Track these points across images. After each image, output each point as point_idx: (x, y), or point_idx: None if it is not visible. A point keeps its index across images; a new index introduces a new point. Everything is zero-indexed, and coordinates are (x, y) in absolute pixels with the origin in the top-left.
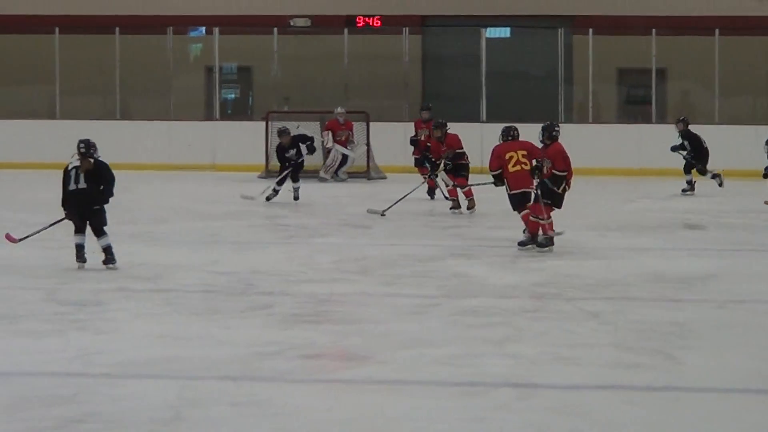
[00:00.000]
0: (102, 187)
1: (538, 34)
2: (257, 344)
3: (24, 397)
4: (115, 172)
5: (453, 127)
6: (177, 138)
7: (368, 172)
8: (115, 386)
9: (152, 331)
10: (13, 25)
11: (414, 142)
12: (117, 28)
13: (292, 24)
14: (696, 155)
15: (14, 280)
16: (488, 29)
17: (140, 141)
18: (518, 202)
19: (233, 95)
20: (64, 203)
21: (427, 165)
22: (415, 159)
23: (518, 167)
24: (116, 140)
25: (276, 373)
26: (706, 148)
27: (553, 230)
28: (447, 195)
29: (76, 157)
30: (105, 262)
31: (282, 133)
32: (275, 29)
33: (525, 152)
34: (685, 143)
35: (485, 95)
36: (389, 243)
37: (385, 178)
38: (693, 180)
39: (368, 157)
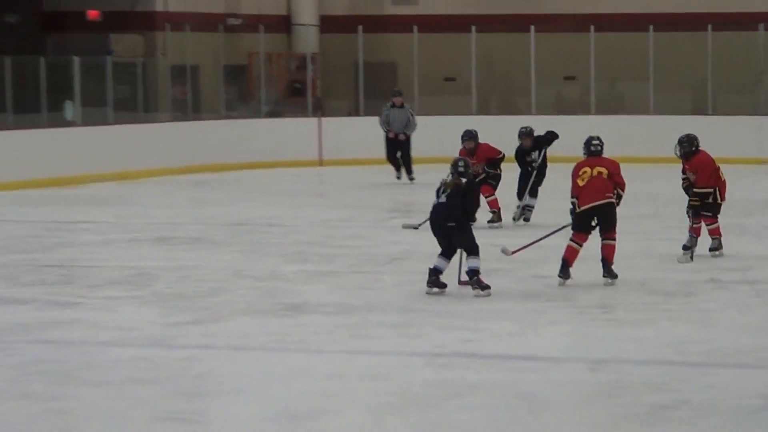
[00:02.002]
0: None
1: None
2: None
3: (620, 384)
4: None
5: None
6: (767, 133)
7: None
8: (706, 375)
9: (742, 321)
10: (610, 23)
11: None
12: (710, 25)
13: None
14: None
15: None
16: None
17: (729, 136)
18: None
19: None
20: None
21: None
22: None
23: None
24: (708, 134)
25: None
26: None
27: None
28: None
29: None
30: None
31: (524, 134)
32: None
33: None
34: None
35: None
36: None
37: None
38: None
39: None
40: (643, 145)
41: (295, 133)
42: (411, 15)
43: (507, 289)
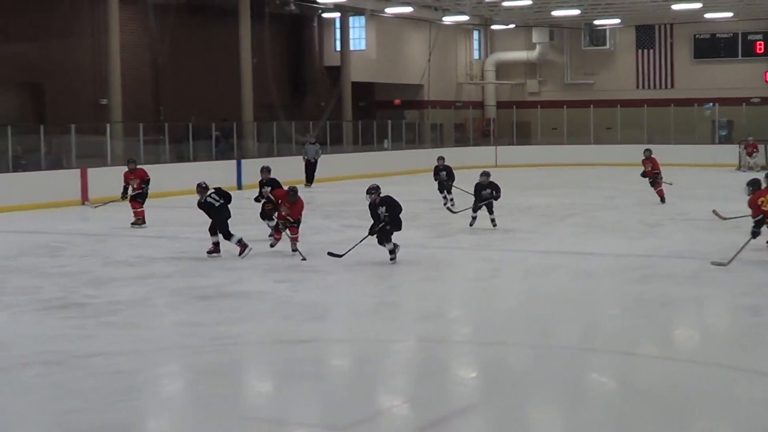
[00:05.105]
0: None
1: None
2: None
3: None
4: None
5: None
6: None
7: None
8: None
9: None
10: (628, 102)
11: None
12: None
13: None
14: None
15: None
16: None
17: None
18: None
19: None
20: None
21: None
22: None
23: None
24: None
25: None
26: None
27: None
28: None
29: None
30: None
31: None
32: None
33: None
34: None
35: None
36: None
37: None
38: None
39: None
40: None
41: (480, 153)
42: (538, 100)
43: None
